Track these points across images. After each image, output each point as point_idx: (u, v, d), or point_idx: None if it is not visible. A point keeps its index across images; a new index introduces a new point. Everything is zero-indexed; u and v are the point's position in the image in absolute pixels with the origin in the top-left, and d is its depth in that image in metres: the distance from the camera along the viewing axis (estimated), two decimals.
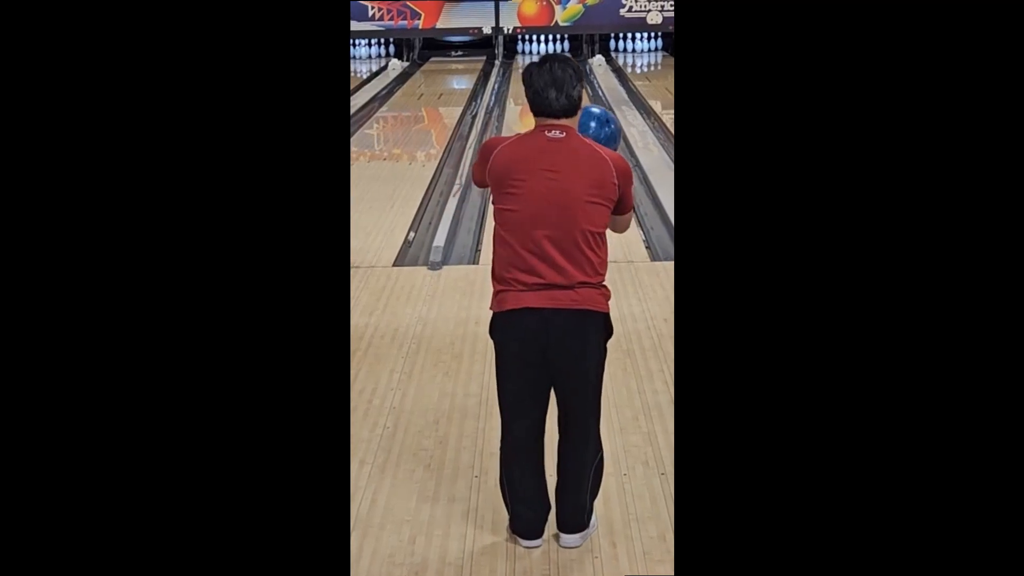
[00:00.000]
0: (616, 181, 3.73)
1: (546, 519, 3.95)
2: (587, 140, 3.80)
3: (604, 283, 3.79)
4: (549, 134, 3.73)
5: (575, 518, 3.91)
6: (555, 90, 3.71)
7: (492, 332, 3.89)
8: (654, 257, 7.55)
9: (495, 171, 3.76)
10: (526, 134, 3.82)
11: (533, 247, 3.68)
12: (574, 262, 3.68)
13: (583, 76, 4.01)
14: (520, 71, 17.84)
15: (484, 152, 3.84)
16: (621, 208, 3.82)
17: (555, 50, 19.64)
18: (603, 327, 3.79)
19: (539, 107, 3.75)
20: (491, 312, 3.86)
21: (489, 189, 3.84)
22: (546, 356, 3.74)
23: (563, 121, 3.75)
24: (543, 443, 3.91)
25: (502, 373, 3.86)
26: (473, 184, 3.97)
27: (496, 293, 3.82)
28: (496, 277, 3.82)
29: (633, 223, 8.19)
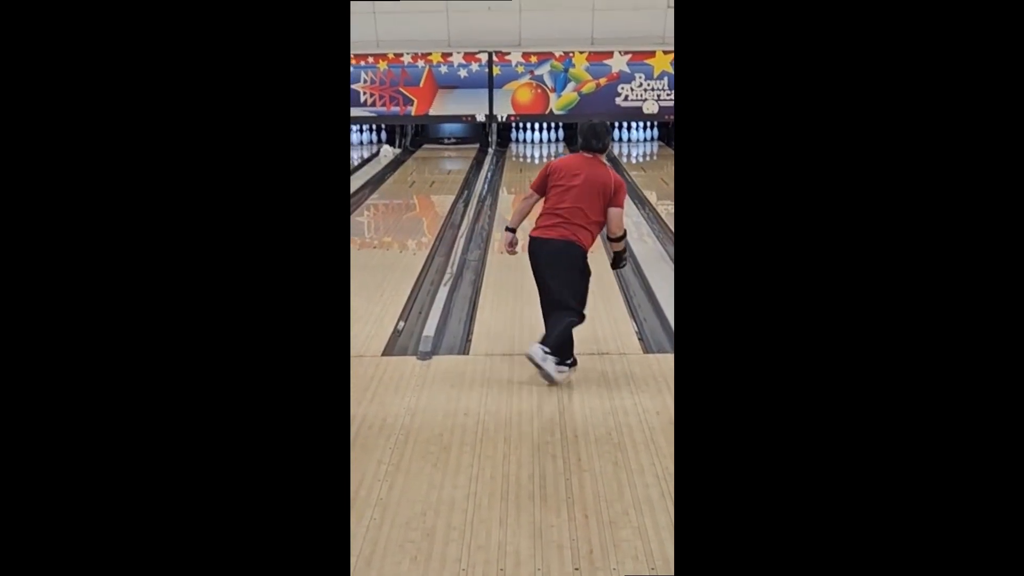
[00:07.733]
0: (612, 186, 6.59)
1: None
2: (604, 163, 6.71)
3: (588, 248, 6.63)
4: (585, 154, 6.72)
5: (545, 340, 6.53)
6: (595, 139, 6.69)
7: (529, 246, 6.67)
8: (647, 349, 7.49)
9: (551, 170, 6.70)
10: (573, 154, 6.89)
11: (560, 210, 6.55)
12: (577, 223, 6.55)
13: (611, 135, 6.59)
14: (513, 159, 17.81)
15: (544, 170, 6.75)
16: (615, 200, 6.61)
17: (549, 139, 19.78)
18: (582, 254, 6.60)
19: (583, 146, 6.71)
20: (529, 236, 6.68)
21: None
22: (551, 260, 6.53)
23: (594, 154, 6.70)
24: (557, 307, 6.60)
25: (534, 270, 6.66)
26: (506, 227, 7.04)
27: (535, 228, 6.63)
28: (538, 221, 6.66)
29: (626, 314, 8.23)
